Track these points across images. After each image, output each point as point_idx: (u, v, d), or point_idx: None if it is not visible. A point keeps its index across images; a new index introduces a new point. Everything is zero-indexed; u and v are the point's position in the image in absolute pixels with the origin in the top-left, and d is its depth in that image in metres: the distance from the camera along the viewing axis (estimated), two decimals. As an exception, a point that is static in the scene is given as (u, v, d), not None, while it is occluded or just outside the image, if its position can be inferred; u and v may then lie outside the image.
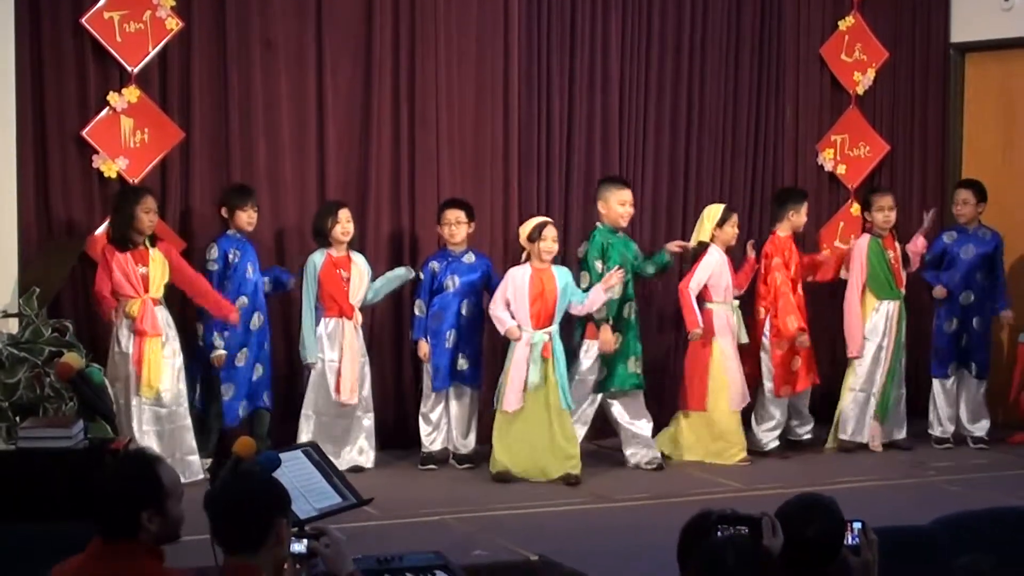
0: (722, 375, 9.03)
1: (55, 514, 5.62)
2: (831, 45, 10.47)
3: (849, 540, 4.22)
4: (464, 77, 9.39)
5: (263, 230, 8.84)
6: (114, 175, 8.38)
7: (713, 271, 8.99)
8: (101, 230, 8.28)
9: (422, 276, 8.84)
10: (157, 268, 8.06)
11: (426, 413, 8.86)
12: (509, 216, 9.37)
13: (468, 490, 8.29)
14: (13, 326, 7.83)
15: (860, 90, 10.57)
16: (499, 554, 6.70)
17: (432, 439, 8.85)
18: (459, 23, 9.35)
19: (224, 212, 8.45)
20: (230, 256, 8.39)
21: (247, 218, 8.40)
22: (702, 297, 9.01)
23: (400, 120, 9.21)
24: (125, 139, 8.40)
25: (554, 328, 8.51)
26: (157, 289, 8.06)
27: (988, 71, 10.92)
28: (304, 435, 8.43)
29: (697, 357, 9.05)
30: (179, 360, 8.16)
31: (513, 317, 8.48)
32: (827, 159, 10.47)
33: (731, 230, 9.10)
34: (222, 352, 8.34)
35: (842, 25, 10.48)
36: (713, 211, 9.14)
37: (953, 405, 9.81)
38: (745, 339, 9.18)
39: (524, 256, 8.63)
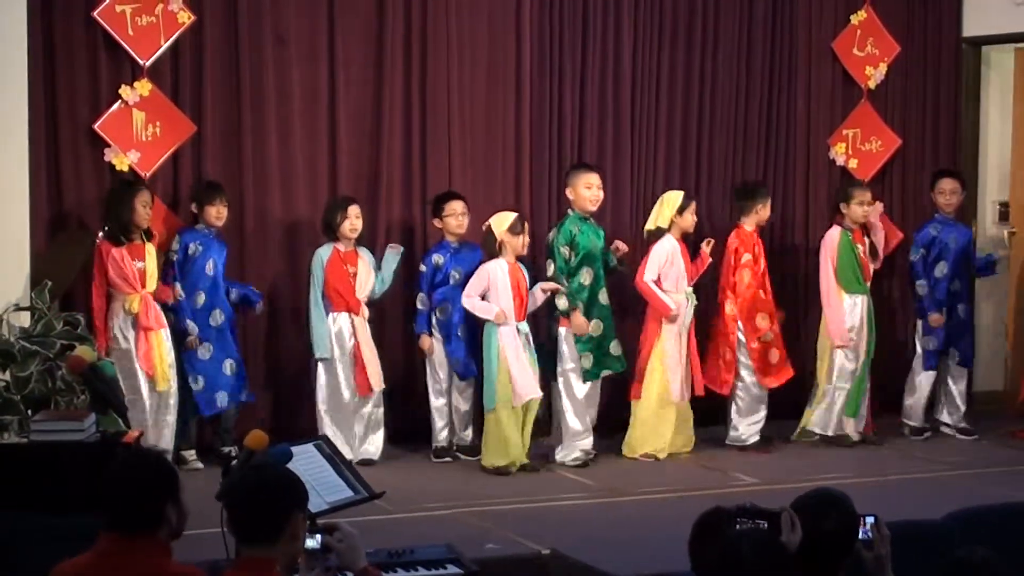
0: (660, 365, 8.97)
1: (67, 507, 5.61)
2: (843, 39, 10.44)
3: (861, 534, 4.22)
4: (476, 69, 9.39)
5: (274, 222, 8.87)
6: (126, 168, 8.39)
7: (666, 259, 8.96)
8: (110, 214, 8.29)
9: (424, 268, 8.85)
10: (152, 262, 8.10)
11: (439, 407, 8.87)
12: (520, 208, 9.33)
13: (479, 483, 8.29)
14: (25, 320, 7.84)
15: (872, 84, 10.53)
16: (510, 548, 6.71)
17: (444, 432, 8.87)
18: (471, 15, 9.35)
19: (194, 207, 8.46)
20: (191, 249, 8.39)
21: (216, 213, 8.38)
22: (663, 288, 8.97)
23: (411, 113, 9.22)
24: (137, 132, 8.40)
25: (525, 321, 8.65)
26: (153, 283, 8.10)
27: (1001, 65, 10.92)
28: (323, 430, 8.44)
29: (644, 346, 9.04)
30: (172, 356, 8.20)
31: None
32: (839, 153, 10.44)
33: (690, 218, 9.03)
34: (194, 337, 8.37)
35: (854, 19, 10.45)
36: (672, 198, 9.09)
37: (931, 396, 9.87)
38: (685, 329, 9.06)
39: (498, 247, 8.62)
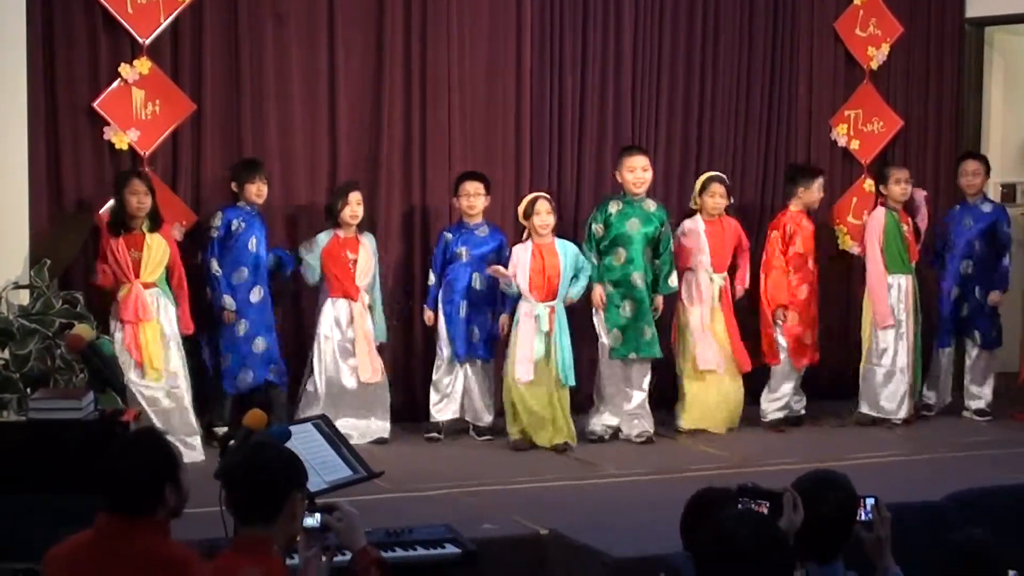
0: (686, 337, 9.12)
1: (65, 485, 5.61)
2: (845, 20, 10.40)
3: (862, 516, 4.21)
4: (476, 53, 9.36)
5: (273, 206, 8.84)
6: (125, 147, 8.37)
7: (688, 239, 9.08)
8: (110, 204, 8.31)
9: (438, 245, 8.89)
10: (153, 253, 8.05)
11: (436, 381, 8.88)
12: (521, 193, 9.32)
13: (479, 463, 8.30)
14: (24, 298, 7.84)
15: (874, 65, 10.51)
16: (509, 528, 6.71)
17: (440, 408, 8.87)
18: (472, -1, 9.34)
19: (234, 186, 8.46)
20: (233, 225, 8.40)
21: (256, 191, 8.41)
22: (684, 264, 9.10)
23: (412, 96, 9.18)
24: (136, 111, 8.38)
25: (557, 303, 8.59)
26: (151, 273, 8.05)
27: (1005, 46, 10.89)
28: (313, 411, 8.42)
29: (673, 322, 9.23)
30: (177, 340, 8.17)
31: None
32: (840, 134, 10.42)
33: (711, 200, 9.11)
34: (232, 311, 8.39)
35: (856, -1, 10.44)
36: (700, 179, 9.25)
37: (949, 376, 9.92)
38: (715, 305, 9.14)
39: (525, 234, 8.72)
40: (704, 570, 3.46)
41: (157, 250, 8.07)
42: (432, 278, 8.89)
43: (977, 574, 4.02)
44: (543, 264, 8.60)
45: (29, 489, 5.76)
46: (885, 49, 10.52)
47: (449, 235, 8.86)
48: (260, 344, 8.50)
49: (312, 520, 4.01)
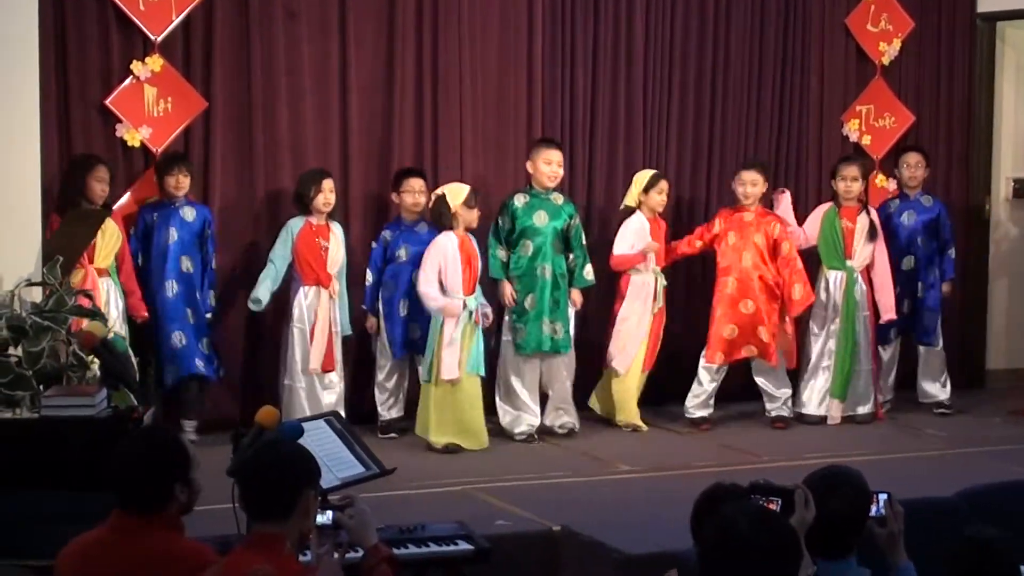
0: (624, 338, 9.07)
1: (78, 482, 5.62)
2: (857, 15, 10.40)
3: (874, 511, 4.21)
4: (487, 47, 9.37)
5: (284, 199, 8.84)
6: (137, 144, 8.40)
7: (635, 237, 9.03)
8: (124, 200, 8.35)
9: (375, 245, 8.83)
10: (106, 239, 8.07)
11: (381, 382, 8.82)
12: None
13: (489, 460, 8.29)
14: (37, 295, 7.83)
15: (886, 60, 10.50)
16: (521, 524, 6.71)
17: (388, 407, 8.83)
18: (483, -8, 9.33)
19: (156, 180, 8.43)
20: (148, 221, 8.39)
21: (174, 183, 8.32)
22: (632, 262, 9.04)
23: (423, 89, 9.19)
24: (148, 108, 8.41)
25: (478, 294, 8.54)
26: (104, 259, 8.07)
27: (1016, 40, 10.88)
28: (285, 404, 8.43)
29: (613, 318, 9.15)
30: (123, 333, 8.15)
31: (443, 287, 8.41)
32: (852, 130, 10.42)
33: (657, 197, 9.06)
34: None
35: (868, -6, 10.42)
36: (641, 177, 9.14)
37: (891, 372, 9.86)
38: (657, 308, 9.07)
39: (452, 219, 8.51)
40: (707, 563, 3.45)
41: (111, 236, 8.09)
42: (370, 278, 8.76)
43: (990, 570, 4.01)
44: (469, 256, 8.47)
45: (41, 486, 5.77)
46: (896, 44, 10.52)
47: (388, 234, 8.79)
48: (178, 338, 8.43)
49: (324, 517, 4.02)
